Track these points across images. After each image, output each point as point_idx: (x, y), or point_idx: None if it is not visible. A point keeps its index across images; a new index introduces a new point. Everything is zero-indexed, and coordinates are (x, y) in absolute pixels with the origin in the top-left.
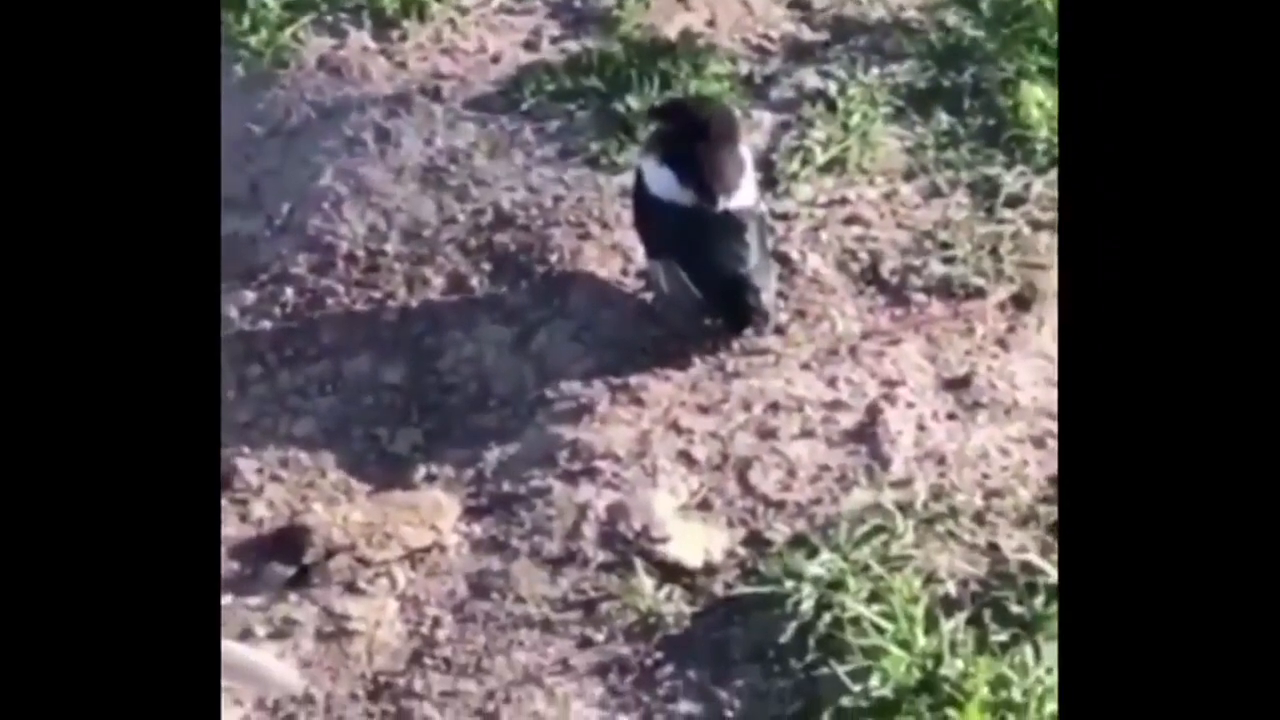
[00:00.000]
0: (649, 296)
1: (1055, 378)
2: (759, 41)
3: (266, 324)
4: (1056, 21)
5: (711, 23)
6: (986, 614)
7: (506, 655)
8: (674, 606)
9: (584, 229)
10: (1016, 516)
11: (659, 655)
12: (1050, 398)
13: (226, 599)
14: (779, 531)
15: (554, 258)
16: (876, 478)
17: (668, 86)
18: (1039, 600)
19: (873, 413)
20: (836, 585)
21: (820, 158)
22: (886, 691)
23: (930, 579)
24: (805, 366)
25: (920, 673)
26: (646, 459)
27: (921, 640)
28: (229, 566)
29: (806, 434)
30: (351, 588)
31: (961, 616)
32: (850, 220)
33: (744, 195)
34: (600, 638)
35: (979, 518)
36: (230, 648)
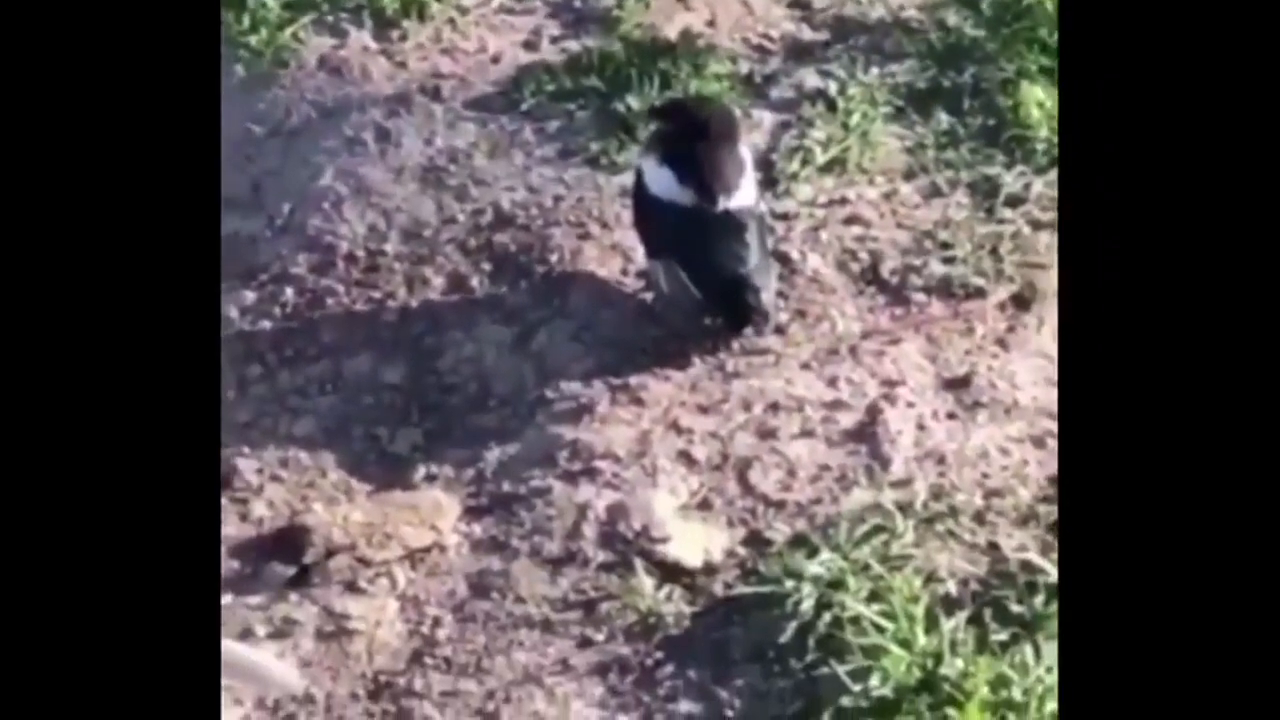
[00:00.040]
0: (649, 296)
1: (1055, 378)
2: (759, 41)
3: (266, 324)
4: (1056, 21)
5: (711, 23)
6: (987, 613)
7: (506, 655)
8: (674, 606)
9: (584, 229)
10: (1016, 516)
11: (659, 655)
12: (1050, 398)
13: (226, 598)
14: (779, 531)
15: (554, 258)
16: (876, 477)
17: (668, 86)
18: (1039, 599)
19: (873, 412)
20: (836, 585)
21: (820, 158)
22: (887, 691)
23: (930, 578)
24: (805, 366)
25: (920, 672)
26: (646, 459)
27: (922, 640)
28: (229, 566)
29: (806, 434)
30: (351, 587)
31: (961, 616)
32: (850, 220)
33: (744, 195)
34: (600, 638)
35: (979, 517)
36: (230, 647)
